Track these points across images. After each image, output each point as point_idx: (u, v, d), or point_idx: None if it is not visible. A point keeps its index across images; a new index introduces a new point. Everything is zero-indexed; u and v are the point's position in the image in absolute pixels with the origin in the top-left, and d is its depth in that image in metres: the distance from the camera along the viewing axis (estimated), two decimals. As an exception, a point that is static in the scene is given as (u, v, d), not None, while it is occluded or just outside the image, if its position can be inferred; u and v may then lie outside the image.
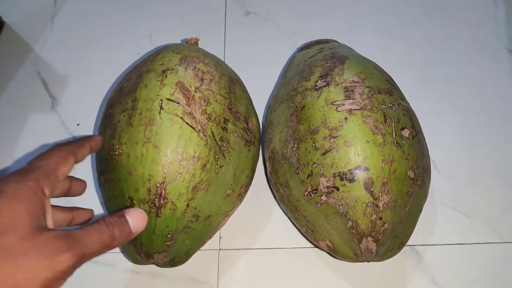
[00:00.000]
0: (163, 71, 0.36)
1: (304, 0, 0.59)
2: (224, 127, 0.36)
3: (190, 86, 0.36)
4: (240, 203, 0.41)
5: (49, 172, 0.26)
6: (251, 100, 0.43)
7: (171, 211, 0.34)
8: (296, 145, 0.38)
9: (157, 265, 0.38)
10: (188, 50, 0.39)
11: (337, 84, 0.37)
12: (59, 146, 0.28)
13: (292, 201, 0.39)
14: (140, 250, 0.35)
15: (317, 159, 0.36)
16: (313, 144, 0.36)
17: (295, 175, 0.38)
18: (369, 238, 0.35)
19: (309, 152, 0.36)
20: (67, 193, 0.31)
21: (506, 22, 0.56)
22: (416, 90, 0.52)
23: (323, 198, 0.36)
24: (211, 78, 0.37)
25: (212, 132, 0.35)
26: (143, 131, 0.34)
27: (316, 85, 0.38)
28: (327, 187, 0.35)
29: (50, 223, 0.25)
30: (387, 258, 0.38)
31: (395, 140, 0.35)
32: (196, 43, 0.44)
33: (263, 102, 0.52)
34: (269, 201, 0.46)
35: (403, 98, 0.39)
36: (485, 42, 0.55)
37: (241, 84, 0.42)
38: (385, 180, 0.34)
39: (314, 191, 0.36)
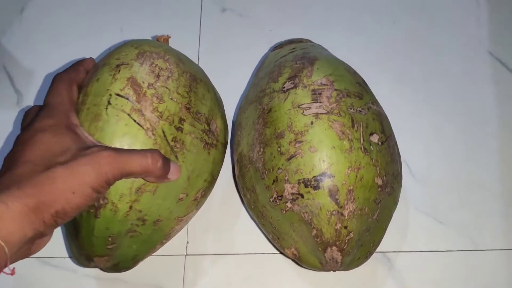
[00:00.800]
0: (117, 66, 0.34)
1: (282, -4, 0.58)
2: (179, 127, 0.34)
3: (143, 82, 0.33)
4: (196, 209, 0.39)
5: (67, 105, 0.31)
6: (218, 101, 0.41)
7: (112, 212, 0.32)
8: (262, 149, 0.36)
9: (101, 269, 0.36)
10: (149, 45, 0.37)
11: (305, 87, 0.36)
12: (59, 78, 0.33)
13: (259, 207, 0.38)
14: (81, 252, 0.34)
15: (282, 165, 0.34)
16: (279, 149, 0.35)
17: (260, 180, 0.36)
18: (334, 248, 0.33)
19: (274, 157, 0.35)
20: None
21: (489, 24, 0.55)
22: (394, 91, 0.51)
23: (288, 205, 0.34)
24: (169, 75, 0.35)
25: (163, 132, 0.33)
26: (88, 126, 0.32)
27: (284, 87, 0.37)
28: (292, 193, 0.34)
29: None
30: (353, 267, 0.36)
31: (362, 146, 0.34)
32: (167, 40, 0.42)
33: (236, 102, 0.50)
34: (237, 205, 0.45)
35: (374, 101, 0.38)
36: (466, 43, 0.54)
37: (206, 83, 0.39)
38: (351, 187, 0.33)
39: (279, 198, 0.35)
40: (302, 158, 0.33)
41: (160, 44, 0.38)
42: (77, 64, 0.35)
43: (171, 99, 0.34)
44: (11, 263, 0.25)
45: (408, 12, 0.56)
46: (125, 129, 0.32)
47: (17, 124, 0.50)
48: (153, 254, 0.42)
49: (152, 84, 0.34)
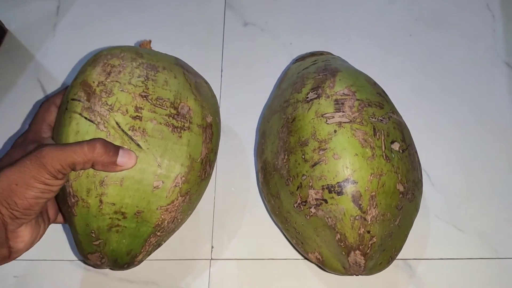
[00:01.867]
0: (76, 75, 0.37)
1: (302, 12, 0.60)
2: (136, 115, 0.35)
3: (93, 82, 0.35)
4: (181, 195, 0.36)
5: (39, 124, 0.36)
6: (190, 85, 0.39)
7: (85, 208, 0.34)
8: (286, 157, 0.38)
9: (111, 268, 0.38)
10: (107, 50, 0.38)
11: (328, 97, 0.37)
12: (41, 104, 0.37)
13: (283, 213, 0.39)
14: (78, 251, 0.36)
15: (306, 171, 0.36)
16: (303, 156, 0.36)
17: (285, 186, 0.38)
18: (357, 252, 0.35)
19: (299, 164, 0.36)
20: None
21: (504, 36, 0.56)
22: (412, 102, 0.52)
23: (312, 210, 0.36)
24: (121, 70, 0.36)
25: (116, 123, 0.34)
26: (55, 134, 0.35)
27: (307, 97, 0.38)
28: (316, 199, 0.35)
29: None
30: (376, 272, 0.37)
31: (384, 154, 0.35)
32: (148, 44, 0.43)
33: (258, 111, 0.52)
34: (261, 212, 0.46)
35: (394, 111, 0.39)
36: (482, 55, 0.55)
37: (173, 70, 0.39)
38: (374, 193, 0.34)
39: (304, 203, 0.36)
40: (326, 165, 0.35)
41: (119, 46, 0.39)
42: (60, 91, 0.39)
43: (122, 90, 0.35)
44: None
45: (425, 25, 0.58)
46: (76, 128, 0.34)
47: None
48: (179, 258, 0.44)
49: (102, 81, 0.35)
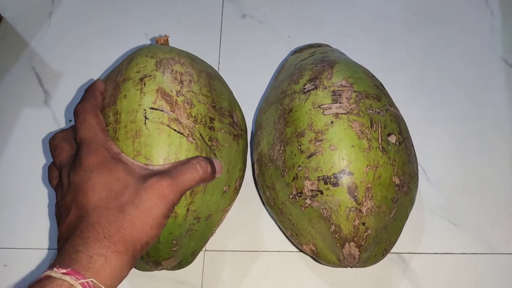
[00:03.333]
0: (141, 79, 0.35)
1: (300, 4, 0.59)
2: (211, 126, 0.36)
3: (171, 91, 0.35)
4: (236, 197, 0.41)
5: (102, 135, 0.32)
6: (231, 92, 0.42)
7: (173, 218, 0.34)
8: (282, 148, 0.37)
9: (165, 269, 0.37)
10: (162, 52, 0.38)
11: (325, 88, 0.37)
12: (83, 109, 0.33)
13: (278, 204, 0.39)
14: (148, 260, 0.35)
15: (302, 162, 0.35)
16: (299, 147, 0.36)
17: (280, 177, 0.37)
18: (352, 243, 0.34)
19: (295, 155, 0.36)
20: None
21: (502, 32, 0.56)
22: (409, 97, 0.52)
23: (308, 201, 0.36)
24: (190, 78, 0.36)
25: (200, 134, 0.34)
26: (132, 144, 0.33)
27: (305, 88, 0.38)
28: (312, 190, 0.35)
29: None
30: (370, 264, 0.37)
31: (380, 146, 0.35)
32: (166, 41, 0.42)
33: (256, 104, 0.52)
34: (256, 203, 0.46)
35: (391, 104, 0.39)
36: (480, 51, 0.55)
37: (219, 78, 0.41)
38: (369, 185, 0.34)
39: (299, 194, 0.36)
40: (322, 156, 0.35)
41: (169, 48, 0.39)
42: (91, 90, 0.35)
43: (199, 101, 0.36)
44: None
45: (423, 20, 0.57)
46: (169, 140, 0.33)
47: (44, 122, 0.52)
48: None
49: (179, 91, 0.35)
